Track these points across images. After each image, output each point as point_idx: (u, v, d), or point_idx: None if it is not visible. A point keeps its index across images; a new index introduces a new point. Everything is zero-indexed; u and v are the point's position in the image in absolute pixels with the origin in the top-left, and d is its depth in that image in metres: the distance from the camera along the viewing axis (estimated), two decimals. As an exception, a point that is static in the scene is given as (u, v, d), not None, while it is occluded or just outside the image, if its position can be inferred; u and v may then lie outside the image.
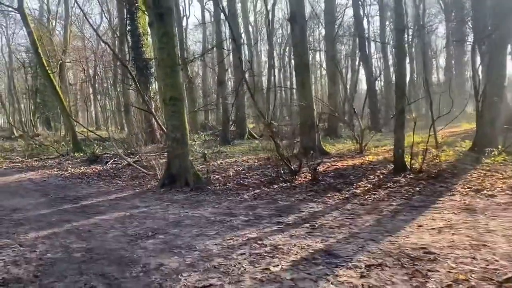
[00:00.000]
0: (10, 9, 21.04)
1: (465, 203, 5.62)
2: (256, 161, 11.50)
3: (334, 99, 19.73)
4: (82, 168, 12.73)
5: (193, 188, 7.97)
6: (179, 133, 8.29)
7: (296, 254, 3.78)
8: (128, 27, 21.97)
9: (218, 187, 8.11)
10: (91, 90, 45.48)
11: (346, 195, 6.74)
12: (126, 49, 22.22)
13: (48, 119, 39.13)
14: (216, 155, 13.34)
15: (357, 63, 26.21)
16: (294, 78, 23.16)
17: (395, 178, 7.61)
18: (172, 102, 8.26)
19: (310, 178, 8.19)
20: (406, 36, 16.93)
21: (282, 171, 8.55)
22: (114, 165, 12.98)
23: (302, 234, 4.51)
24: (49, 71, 17.19)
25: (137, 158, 12.72)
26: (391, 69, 26.13)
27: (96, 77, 44.11)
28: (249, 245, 4.16)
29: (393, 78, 15.37)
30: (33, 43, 17.05)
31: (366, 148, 11.96)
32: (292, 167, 8.39)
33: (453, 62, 32.04)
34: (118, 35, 28.09)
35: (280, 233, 4.61)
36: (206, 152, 11.73)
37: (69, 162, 14.78)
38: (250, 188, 7.85)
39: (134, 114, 30.45)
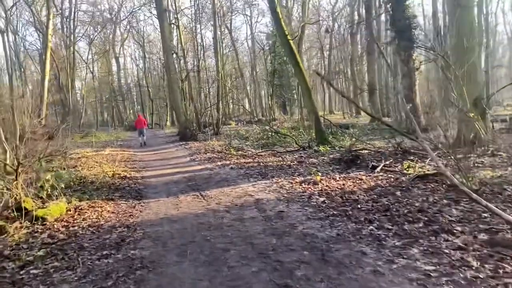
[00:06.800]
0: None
1: None
2: None
3: None
4: (337, 177, 7.54)
5: None
6: None
7: None
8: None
9: None
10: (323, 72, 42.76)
11: None
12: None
13: (284, 103, 38.22)
14: None
15: None
16: None
17: None
18: None
19: None
20: None
21: None
22: (388, 175, 7.23)
23: None
24: (288, 37, 13.06)
25: (445, 170, 6.46)
26: None
27: (330, 56, 40.89)
28: None
29: None
30: (270, 3, 13.30)
31: None
32: None
33: None
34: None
35: None
36: None
37: (313, 160, 10.00)
38: None
39: (382, 93, 24.28)
